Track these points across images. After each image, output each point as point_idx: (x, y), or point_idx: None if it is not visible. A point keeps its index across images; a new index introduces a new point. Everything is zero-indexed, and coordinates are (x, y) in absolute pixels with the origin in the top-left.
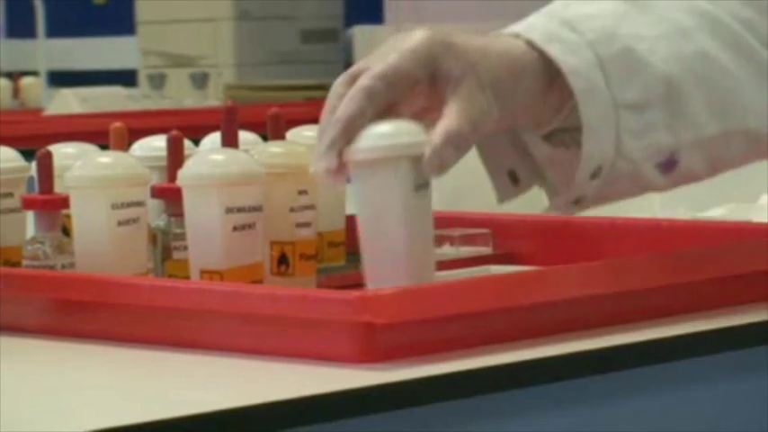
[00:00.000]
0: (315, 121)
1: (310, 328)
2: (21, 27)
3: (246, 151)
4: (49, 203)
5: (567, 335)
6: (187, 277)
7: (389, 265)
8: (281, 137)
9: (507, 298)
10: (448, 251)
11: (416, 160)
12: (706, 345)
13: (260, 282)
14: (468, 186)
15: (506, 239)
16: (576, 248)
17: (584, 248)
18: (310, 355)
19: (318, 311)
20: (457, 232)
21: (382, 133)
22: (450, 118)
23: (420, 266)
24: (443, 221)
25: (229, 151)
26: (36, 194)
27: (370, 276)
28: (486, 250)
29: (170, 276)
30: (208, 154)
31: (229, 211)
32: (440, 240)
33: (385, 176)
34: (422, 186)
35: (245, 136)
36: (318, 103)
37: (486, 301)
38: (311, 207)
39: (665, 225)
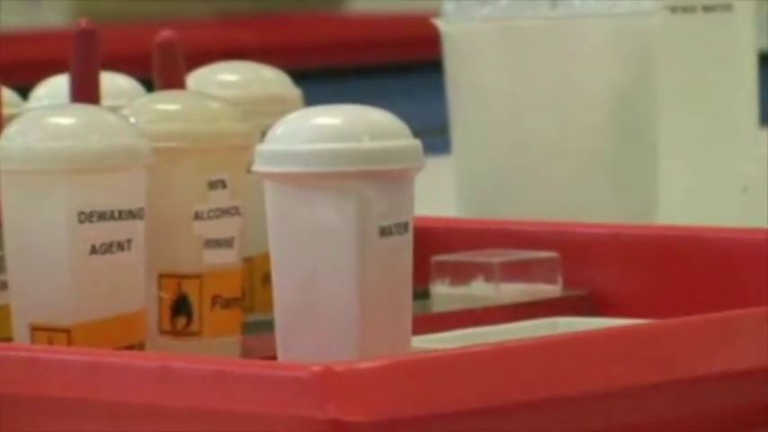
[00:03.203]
0: (236, 53)
1: (232, 428)
2: None
3: (116, 110)
4: None
5: None
6: (9, 339)
7: (325, 343)
8: (177, 83)
9: (583, 378)
10: (480, 290)
11: (387, 181)
12: None
13: (140, 347)
14: (503, 182)
15: (586, 270)
16: (713, 284)
17: (726, 284)
18: None
19: (247, 400)
20: (497, 257)
21: (328, 128)
22: None
23: (377, 352)
24: (473, 237)
25: (85, 109)
26: None
27: (287, 352)
28: (550, 289)
29: None
30: (46, 115)
31: (85, 218)
32: (467, 272)
33: (328, 207)
34: (394, 229)
35: (112, 81)
36: (243, 23)
37: (546, 384)
38: (233, 211)
39: None
